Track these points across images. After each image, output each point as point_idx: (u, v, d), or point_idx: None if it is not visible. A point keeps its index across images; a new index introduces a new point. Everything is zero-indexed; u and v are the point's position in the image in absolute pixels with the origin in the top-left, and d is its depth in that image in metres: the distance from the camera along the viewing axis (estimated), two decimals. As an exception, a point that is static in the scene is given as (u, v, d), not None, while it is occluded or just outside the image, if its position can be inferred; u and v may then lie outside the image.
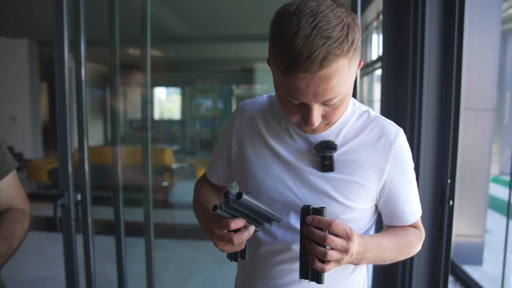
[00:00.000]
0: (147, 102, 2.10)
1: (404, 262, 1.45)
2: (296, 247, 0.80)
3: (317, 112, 0.71)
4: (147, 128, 2.04)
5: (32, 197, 6.01)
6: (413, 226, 0.89)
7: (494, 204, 5.37)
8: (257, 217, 0.74)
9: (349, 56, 0.66)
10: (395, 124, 0.85)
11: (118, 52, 1.96)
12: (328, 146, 0.80)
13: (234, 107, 10.74)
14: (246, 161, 0.88)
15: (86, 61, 1.67)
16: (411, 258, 1.42)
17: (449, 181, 1.37)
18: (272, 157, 0.85)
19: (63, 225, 1.59)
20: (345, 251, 0.69)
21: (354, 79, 0.73)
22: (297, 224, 0.78)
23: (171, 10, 5.36)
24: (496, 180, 7.11)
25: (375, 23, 5.83)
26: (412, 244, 0.86)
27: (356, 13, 1.52)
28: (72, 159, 1.60)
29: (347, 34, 0.64)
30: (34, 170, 6.15)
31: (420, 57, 1.37)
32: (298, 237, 0.74)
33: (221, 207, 0.66)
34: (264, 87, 9.01)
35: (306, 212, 0.71)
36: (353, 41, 0.65)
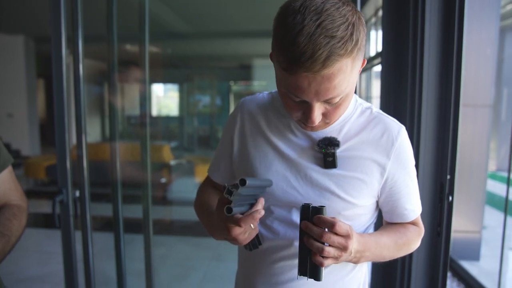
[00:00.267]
0: (145, 99, 2.09)
1: (403, 257, 1.46)
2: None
3: (318, 111, 0.71)
4: (146, 125, 2.03)
5: (30, 194, 6.01)
6: (413, 223, 0.89)
7: (492, 200, 5.40)
8: (257, 192, 0.74)
9: (353, 56, 0.65)
10: (397, 121, 0.85)
11: (116, 49, 1.95)
12: (331, 143, 0.80)
13: (232, 104, 10.74)
14: (248, 158, 0.87)
15: (83, 57, 1.66)
16: (410, 254, 1.42)
17: (448, 177, 1.37)
18: (274, 154, 0.85)
19: (61, 221, 1.58)
20: (343, 248, 0.69)
21: (357, 78, 0.72)
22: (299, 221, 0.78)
23: (169, 6, 5.33)
24: (493, 176, 7.14)
25: (373, 19, 5.82)
26: (411, 241, 0.87)
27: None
28: (70, 155, 1.59)
29: (351, 34, 0.63)
30: (32, 167, 6.14)
31: (420, 53, 1.37)
32: None
33: (232, 205, 0.65)
34: (262, 83, 9.00)
35: (306, 210, 0.71)
36: (357, 40, 0.65)
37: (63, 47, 1.53)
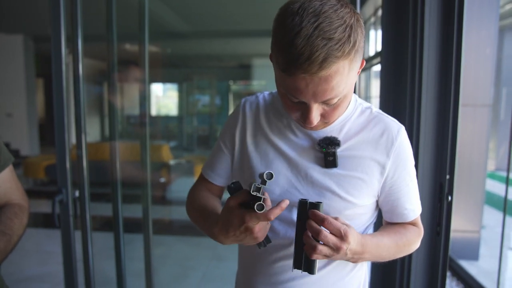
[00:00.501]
0: (144, 98, 2.09)
1: (402, 257, 1.45)
2: None
3: (316, 111, 0.71)
4: (145, 124, 2.03)
5: (29, 193, 5.95)
6: (413, 223, 0.89)
7: (490, 199, 5.41)
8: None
9: (350, 58, 0.66)
10: (396, 121, 0.85)
11: (115, 48, 1.95)
12: (332, 142, 0.80)
13: (231, 103, 10.73)
14: (248, 158, 0.87)
15: (83, 57, 1.66)
16: (410, 254, 1.42)
17: (447, 177, 1.37)
18: (274, 153, 0.85)
19: (61, 221, 1.58)
20: (336, 249, 0.70)
21: (355, 79, 0.73)
22: None
23: (169, 5, 5.33)
24: (492, 176, 7.15)
25: (372, 19, 5.82)
26: (411, 242, 0.87)
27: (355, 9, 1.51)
28: (70, 155, 1.59)
29: (349, 36, 0.64)
30: (31, 166, 6.13)
31: (419, 53, 1.37)
32: None
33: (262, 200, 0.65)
34: (261, 83, 9.00)
35: (303, 205, 0.72)
36: (355, 42, 0.65)
37: (63, 47, 1.52)
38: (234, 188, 0.74)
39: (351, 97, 0.77)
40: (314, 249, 0.69)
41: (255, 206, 0.65)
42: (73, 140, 1.74)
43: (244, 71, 9.71)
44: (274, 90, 0.92)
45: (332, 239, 0.69)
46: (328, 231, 0.70)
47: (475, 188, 3.55)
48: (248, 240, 0.72)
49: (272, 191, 0.83)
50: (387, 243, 0.82)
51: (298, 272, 0.83)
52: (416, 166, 1.39)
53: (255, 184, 0.65)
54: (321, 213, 0.70)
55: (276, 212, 0.67)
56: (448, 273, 3.37)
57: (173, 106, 12.01)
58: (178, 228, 4.41)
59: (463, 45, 1.32)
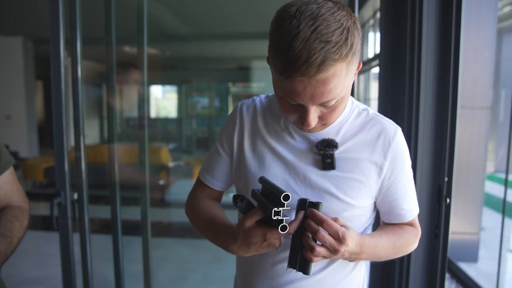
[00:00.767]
0: (143, 101, 2.09)
1: (401, 259, 1.46)
2: None
3: (313, 114, 0.72)
4: (144, 127, 2.03)
5: (28, 195, 5.94)
6: (410, 224, 0.90)
7: (490, 201, 5.41)
8: None
9: (347, 60, 0.66)
10: (393, 122, 0.86)
11: (114, 50, 1.95)
12: (329, 144, 0.80)
13: (230, 106, 10.73)
14: (246, 162, 0.87)
15: (82, 59, 1.66)
16: (408, 256, 1.42)
17: (446, 179, 1.37)
18: (272, 157, 0.85)
19: (59, 224, 1.58)
20: (334, 251, 0.70)
21: (352, 81, 0.73)
22: None
23: (168, 8, 5.33)
24: (491, 178, 7.16)
25: (371, 21, 5.83)
26: (408, 243, 0.87)
27: (353, 12, 1.51)
28: (69, 157, 1.59)
29: (346, 38, 0.64)
30: (30, 168, 6.11)
31: (418, 55, 1.37)
32: None
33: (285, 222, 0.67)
34: (260, 85, 9.00)
35: (303, 205, 0.72)
36: (352, 45, 0.65)
37: (61, 49, 1.52)
38: (246, 206, 0.75)
39: (348, 98, 0.78)
40: (312, 250, 0.69)
41: (280, 228, 0.67)
42: (72, 142, 1.73)
43: (243, 73, 9.71)
44: (271, 93, 0.92)
45: (330, 240, 0.69)
46: (326, 232, 0.70)
47: (474, 190, 3.56)
48: (269, 249, 0.75)
49: None
50: (384, 243, 0.82)
51: (297, 274, 0.83)
52: (415, 168, 1.39)
53: (274, 210, 0.66)
54: (320, 213, 0.70)
55: (295, 226, 0.71)
56: (448, 275, 3.37)
57: (172, 108, 12.01)
58: (177, 230, 4.40)
59: (461, 47, 1.32)
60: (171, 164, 6.23)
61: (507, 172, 2.79)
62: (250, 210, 0.74)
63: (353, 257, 0.75)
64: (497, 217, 4.71)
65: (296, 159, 0.83)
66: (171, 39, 7.12)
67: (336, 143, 0.81)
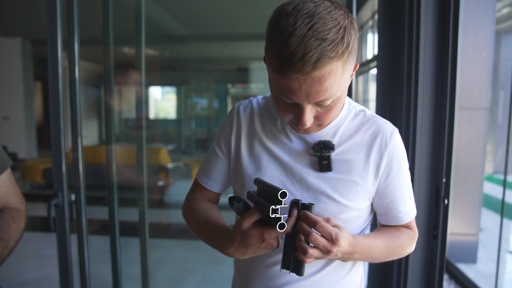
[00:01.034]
0: (141, 102, 2.09)
1: (399, 260, 1.46)
2: None
3: (309, 113, 0.72)
4: (142, 128, 2.03)
5: (26, 197, 5.93)
6: (407, 226, 0.89)
7: (489, 202, 5.41)
8: None
9: (344, 59, 0.66)
10: (390, 123, 0.86)
11: (112, 51, 1.94)
12: (326, 146, 0.80)
13: (229, 107, 10.74)
14: (242, 163, 0.87)
15: (81, 60, 1.66)
16: (407, 257, 1.42)
17: (444, 180, 1.37)
18: (269, 158, 0.85)
19: (57, 225, 1.57)
20: (326, 252, 0.70)
21: (349, 81, 0.73)
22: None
23: (167, 9, 5.34)
24: (490, 179, 7.16)
25: (370, 23, 5.84)
26: (404, 245, 0.87)
27: (351, 12, 1.52)
28: (66, 159, 1.59)
29: (342, 37, 0.64)
30: (28, 170, 6.11)
31: (415, 56, 1.37)
32: None
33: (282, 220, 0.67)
34: (259, 86, 9.01)
35: (295, 206, 0.72)
36: (348, 44, 0.65)
37: (59, 50, 1.52)
38: (242, 208, 0.74)
39: (345, 99, 0.77)
40: (305, 252, 0.69)
41: (277, 226, 0.66)
42: (70, 143, 1.73)
43: (242, 74, 9.73)
44: (269, 94, 0.92)
45: (323, 242, 0.69)
46: (319, 233, 0.70)
47: (472, 191, 3.56)
48: (266, 251, 0.74)
49: None
50: (379, 245, 0.82)
51: (294, 276, 0.83)
52: (413, 169, 1.39)
53: (272, 207, 0.66)
54: (313, 215, 0.70)
55: (292, 223, 0.70)
56: (446, 276, 3.37)
57: (171, 109, 12.01)
58: (176, 231, 4.39)
59: (459, 48, 1.32)
60: (170, 165, 6.22)
61: (505, 173, 2.79)
62: (247, 212, 0.73)
63: (346, 257, 0.75)
64: (496, 218, 4.72)
65: (292, 160, 0.83)
66: (170, 40, 7.12)
67: (333, 144, 0.81)
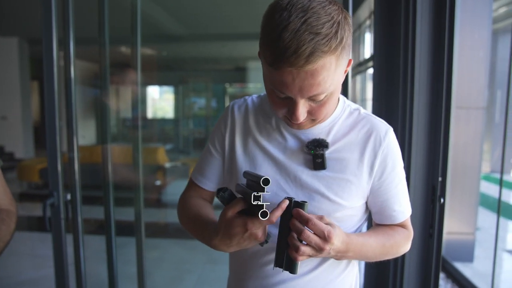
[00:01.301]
0: (138, 101, 2.08)
1: (395, 259, 1.46)
2: None
3: (302, 108, 0.72)
4: (138, 127, 2.02)
5: (23, 197, 5.97)
6: (402, 225, 0.89)
7: (486, 201, 5.43)
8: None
9: (337, 54, 0.66)
10: (385, 122, 0.85)
11: (108, 51, 1.94)
12: (320, 144, 0.80)
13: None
14: (237, 161, 0.87)
15: (77, 60, 1.65)
16: (403, 256, 1.42)
17: (440, 179, 1.37)
18: (263, 157, 0.85)
19: (52, 225, 1.57)
20: (319, 249, 0.70)
21: (342, 77, 0.73)
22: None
23: (165, 8, 5.33)
24: (487, 178, 7.19)
25: (368, 22, 5.85)
26: (399, 244, 0.86)
27: (347, 11, 1.51)
28: (62, 158, 1.58)
29: (336, 32, 0.65)
30: (25, 169, 6.09)
31: (411, 56, 1.38)
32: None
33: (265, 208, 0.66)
34: (257, 85, 9.01)
35: (288, 204, 0.71)
36: (342, 39, 0.66)
37: (54, 49, 1.51)
38: (228, 197, 0.74)
39: (338, 95, 0.77)
40: (297, 250, 0.69)
41: (259, 214, 0.66)
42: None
43: (240, 74, 9.72)
44: (263, 93, 0.92)
45: (315, 240, 0.69)
46: (312, 231, 0.70)
47: (469, 190, 3.57)
48: (251, 243, 0.73)
49: (262, 195, 0.82)
50: (373, 243, 0.82)
51: (288, 274, 0.83)
52: (409, 168, 1.39)
53: (254, 194, 0.65)
54: (305, 213, 0.70)
55: (278, 214, 0.69)
56: (443, 275, 3.37)
57: (169, 108, 12.00)
58: (174, 231, 4.39)
59: (455, 48, 1.33)
60: (167, 165, 6.22)
61: (502, 172, 2.80)
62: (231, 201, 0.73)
63: (339, 255, 0.75)
64: (493, 217, 4.73)
65: (287, 159, 0.83)
66: (168, 40, 7.11)
67: (327, 143, 0.81)
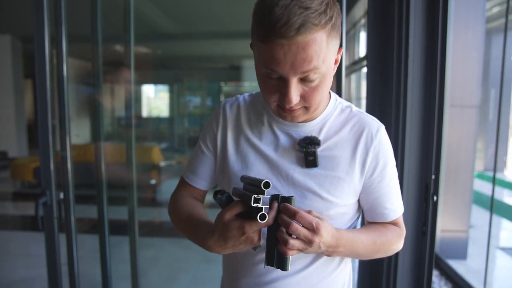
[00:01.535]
0: (131, 100, 2.07)
1: (389, 257, 1.47)
2: None
3: (294, 89, 0.71)
4: (131, 126, 2.01)
5: (17, 196, 5.93)
6: (394, 223, 0.89)
7: (479, 199, 5.48)
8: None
9: (327, 31, 0.68)
10: (376, 119, 0.86)
11: (100, 49, 1.92)
12: (312, 142, 0.80)
13: (222, 105, 10.70)
14: (229, 160, 0.87)
15: (71, 58, 1.64)
16: (396, 254, 1.43)
17: (433, 177, 1.38)
18: (255, 155, 0.85)
19: (45, 224, 1.56)
20: (308, 242, 0.70)
21: (333, 61, 0.73)
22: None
23: (159, 7, 5.30)
24: (481, 176, 7.25)
25: (362, 21, 5.86)
26: (391, 242, 0.86)
27: (341, 10, 1.52)
28: (55, 157, 1.57)
29: (325, 10, 0.67)
30: (19, 168, 6.04)
31: (405, 55, 1.38)
32: None
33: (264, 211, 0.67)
34: (252, 84, 9.00)
35: (275, 200, 0.72)
36: (331, 17, 0.67)
37: (47, 47, 1.50)
38: (226, 200, 0.74)
39: (330, 83, 0.76)
40: (286, 244, 0.69)
41: (258, 217, 0.66)
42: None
43: (235, 72, 9.71)
44: (255, 91, 0.92)
45: (303, 231, 0.69)
46: (300, 224, 0.70)
47: (463, 188, 3.60)
48: (246, 246, 0.73)
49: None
50: (364, 239, 0.81)
51: (281, 273, 0.83)
52: (402, 166, 1.40)
53: (254, 196, 0.66)
54: (292, 206, 0.70)
55: (273, 215, 0.70)
56: (437, 272, 3.40)
57: (164, 107, 11.96)
58: (168, 230, 4.38)
59: (449, 47, 1.33)
60: (162, 164, 6.20)
61: (494, 170, 2.82)
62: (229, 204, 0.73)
63: (330, 250, 0.74)
64: (486, 214, 4.77)
65: (279, 157, 0.83)
66: (163, 38, 7.08)
67: (319, 140, 0.81)
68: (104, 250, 2.01)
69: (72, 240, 1.67)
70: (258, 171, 0.83)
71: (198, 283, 3.02)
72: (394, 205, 0.87)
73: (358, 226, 0.91)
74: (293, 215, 0.69)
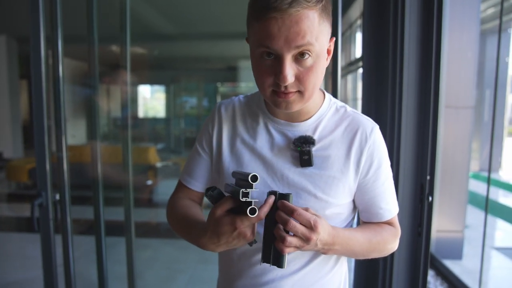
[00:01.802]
0: (127, 101, 2.07)
1: (385, 257, 1.47)
2: None
3: (289, 67, 0.71)
4: (127, 127, 2.01)
5: (12, 197, 5.89)
6: (389, 223, 0.89)
7: (474, 200, 5.51)
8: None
9: (318, 11, 0.69)
10: (371, 120, 0.86)
11: (96, 49, 1.92)
12: (307, 141, 0.80)
13: (219, 105, 10.70)
14: (224, 161, 0.87)
15: (68, 58, 1.63)
16: (392, 254, 1.44)
17: (428, 177, 1.39)
18: (250, 155, 0.85)
19: (40, 225, 1.55)
20: (306, 239, 0.70)
21: (326, 44, 0.74)
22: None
23: (156, 8, 5.30)
24: (476, 177, 7.29)
25: (359, 22, 5.88)
26: (386, 241, 0.87)
27: (337, 11, 1.53)
28: (51, 158, 1.56)
29: None
30: (14, 169, 6.01)
31: (400, 56, 1.39)
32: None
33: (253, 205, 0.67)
34: (249, 84, 9.01)
35: (273, 196, 0.72)
36: (322, 0, 0.70)
37: (42, 47, 1.50)
38: (217, 196, 0.74)
39: (324, 68, 0.77)
40: (283, 240, 0.69)
41: (248, 211, 0.66)
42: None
43: (231, 73, 9.71)
44: (250, 93, 0.92)
45: (301, 229, 0.69)
46: (297, 221, 0.70)
47: (458, 188, 3.61)
48: (240, 243, 0.73)
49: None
50: (359, 238, 0.82)
51: (278, 273, 0.83)
52: (397, 167, 1.41)
53: (242, 190, 0.66)
54: (290, 204, 0.70)
55: (266, 210, 0.69)
56: (432, 273, 3.41)
57: (160, 108, 11.94)
58: (165, 230, 4.37)
59: (444, 48, 1.34)
60: (159, 164, 6.19)
61: (489, 171, 2.84)
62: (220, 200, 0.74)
63: (326, 248, 0.75)
64: (481, 215, 4.80)
65: (273, 156, 0.83)
66: (160, 39, 7.08)
67: (314, 139, 0.81)
68: (100, 251, 2.00)
69: (68, 241, 1.67)
70: (253, 171, 0.83)
71: (195, 284, 3.02)
72: (389, 205, 0.87)
73: (354, 226, 0.91)
74: (291, 212, 0.69)
